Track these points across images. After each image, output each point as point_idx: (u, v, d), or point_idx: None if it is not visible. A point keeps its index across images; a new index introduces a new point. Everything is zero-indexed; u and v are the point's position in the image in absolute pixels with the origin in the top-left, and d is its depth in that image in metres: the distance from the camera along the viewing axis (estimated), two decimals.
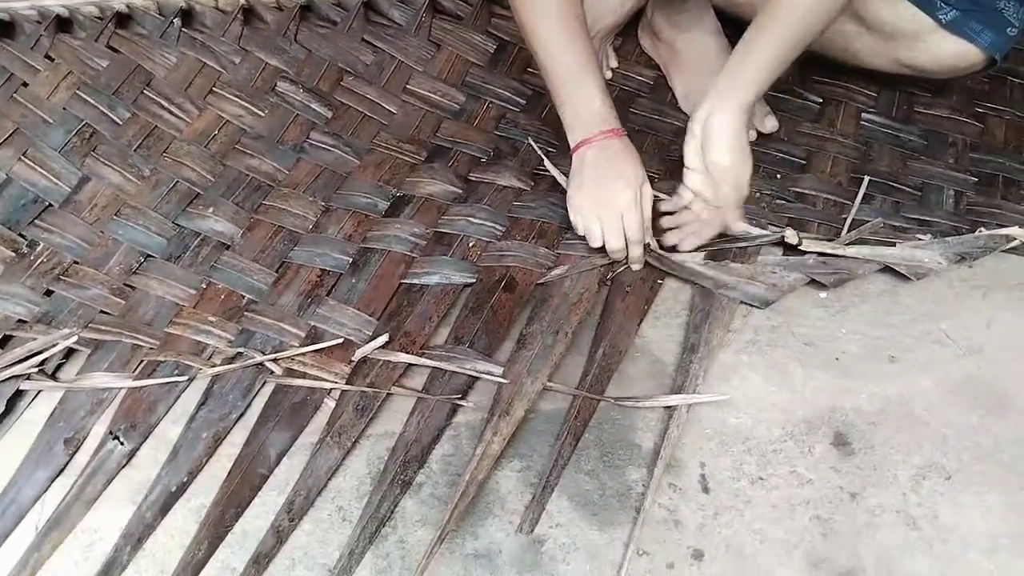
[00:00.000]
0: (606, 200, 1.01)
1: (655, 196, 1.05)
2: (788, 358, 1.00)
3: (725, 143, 1.00)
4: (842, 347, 1.01)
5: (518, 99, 1.28)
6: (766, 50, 1.00)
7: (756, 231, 1.09)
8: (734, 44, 1.23)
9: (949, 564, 0.85)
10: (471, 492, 0.86)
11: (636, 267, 1.05)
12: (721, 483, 0.90)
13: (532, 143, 1.19)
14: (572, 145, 1.04)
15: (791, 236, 1.07)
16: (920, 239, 1.11)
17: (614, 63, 1.34)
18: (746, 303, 1.04)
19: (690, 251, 1.07)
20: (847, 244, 1.09)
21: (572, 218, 1.04)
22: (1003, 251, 1.11)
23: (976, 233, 1.12)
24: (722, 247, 1.07)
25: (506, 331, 1.00)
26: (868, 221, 1.12)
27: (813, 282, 1.07)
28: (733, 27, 1.29)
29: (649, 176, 1.14)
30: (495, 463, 0.89)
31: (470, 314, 1.01)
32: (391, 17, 1.34)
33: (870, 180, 1.19)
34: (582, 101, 1.02)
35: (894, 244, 1.10)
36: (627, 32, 1.37)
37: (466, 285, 1.04)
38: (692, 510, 0.88)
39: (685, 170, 1.05)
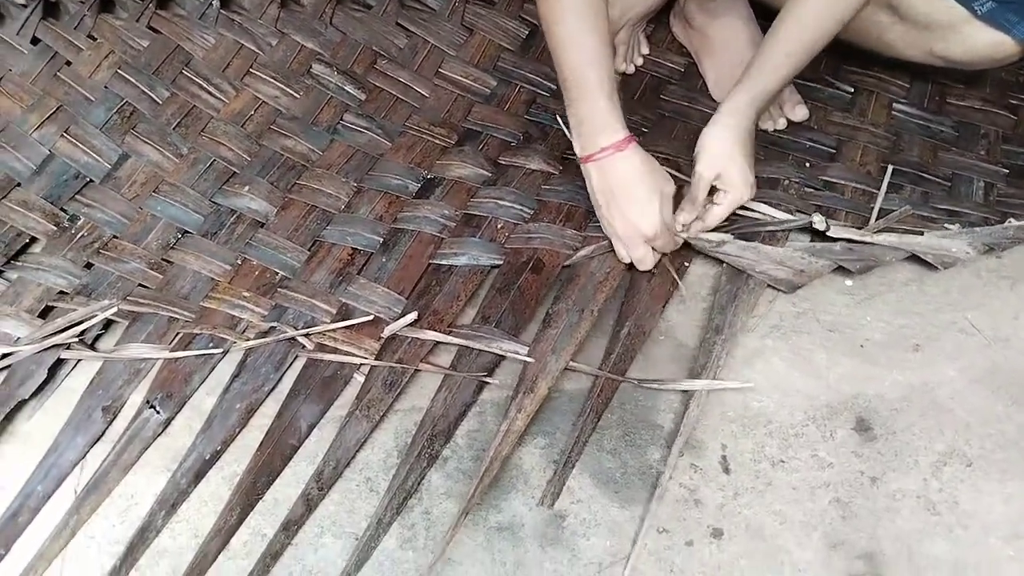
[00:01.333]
0: (633, 231, 1.00)
1: (679, 184, 1.06)
2: (812, 344, 1.01)
3: (713, 156, 1.01)
4: (867, 334, 1.02)
5: (549, 84, 1.29)
6: (771, 59, 1.03)
7: (784, 215, 1.09)
8: (767, 32, 1.24)
9: (969, 550, 0.86)
10: (495, 467, 0.88)
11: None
12: (742, 464, 0.91)
13: (561, 123, 1.19)
14: (579, 154, 1.01)
15: (819, 222, 1.08)
16: (948, 229, 1.11)
17: (645, 50, 1.35)
18: (773, 287, 1.05)
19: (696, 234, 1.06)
20: (875, 232, 1.09)
21: (608, 232, 1.04)
22: None
23: (1006, 224, 1.12)
24: (752, 229, 1.08)
25: (532, 311, 1.02)
26: (896, 210, 1.12)
27: (839, 270, 1.07)
28: (767, 15, 1.29)
29: (677, 161, 1.16)
30: (519, 440, 0.91)
31: (497, 294, 1.03)
32: (425, 2, 1.35)
33: (901, 170, 1.19)
34: (587, 103, 0.98)
35: (922, 233, 1.10)
36: (659, 19, 1.38)
37: (494, 266, 1.06)
38: (712, 490, 0.89)
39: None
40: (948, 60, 1.19)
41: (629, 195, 0.99)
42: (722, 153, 1.01)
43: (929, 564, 0.85)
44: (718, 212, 1.03)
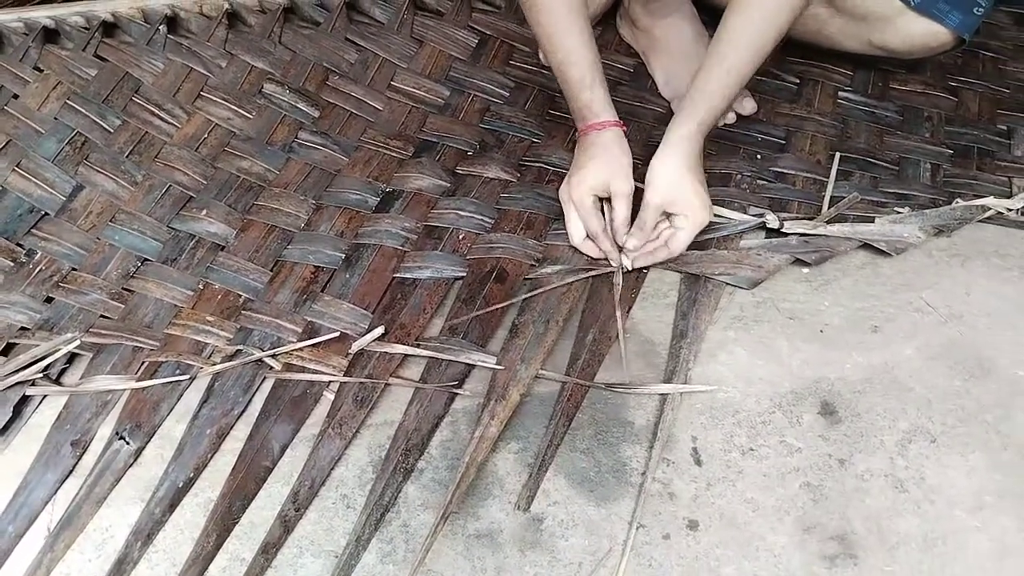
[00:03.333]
0: (569, 191, 1.06)
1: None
2: (774, 333, 1.03)
3: (662, 185, 1.03)
4: (826, 319, 1.04)
5: (502, 91, 1.30)
6: (713, 78, 1.04)
7: (737, 216, 1.12)
8: (710, 30, 1.26)
9: (936, 523, 0.88)
10: (471, 474, 0.89)
11: (615, 262, 1.06)
12: (713, 455, 0.93)
13: None
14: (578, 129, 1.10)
15: (772, 220, 1.10)
16: (899, 212, 1.14)
17: None
18: (733, 285, 1.07)
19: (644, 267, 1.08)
20: (827, 222, 1.12)
21: (564, 202, 1.09)
22: (980, 221, 1.15)
23: (953, 204, 1.15)
24: (705, 237, 1.10)
25: (499, 320, 1.03)
26: (846, 197, 1.14)
27: (797, 260, 1.09)
28: (709, 12, 1.32)
29: (633, 165, 1.17)
30: (493, 446, 0.92)
31: (463, 305, 1.04)
32: (373, 16, 1.36)
33: (849, 157, 1.22)
34: (571, 96, 1.08)
35: (873, 219, 1.13)
36: (606, 21, 1.40)
37: (457, 278, 1.06)
38: (686, 483, 0.90)
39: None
40: (887, 50, 1.23)
41: (580, 163, 1.07)
42: (672, 181, 1.03)
43: (900, 540, 0.87)
44: (682, 238, 1.05)
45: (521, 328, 1.01)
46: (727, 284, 1.07)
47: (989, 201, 1.15)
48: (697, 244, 1.09)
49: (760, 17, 1.02)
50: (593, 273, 1.07)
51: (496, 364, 0.97)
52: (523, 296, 1.04)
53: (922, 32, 1.17)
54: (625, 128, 1.07)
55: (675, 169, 1.02)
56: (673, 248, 1.05)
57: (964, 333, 1.04)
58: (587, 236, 1.07)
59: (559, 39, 1.05)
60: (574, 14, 1.04)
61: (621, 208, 1.04)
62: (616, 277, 1.05)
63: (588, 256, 1.08)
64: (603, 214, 1.07)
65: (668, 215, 1.05)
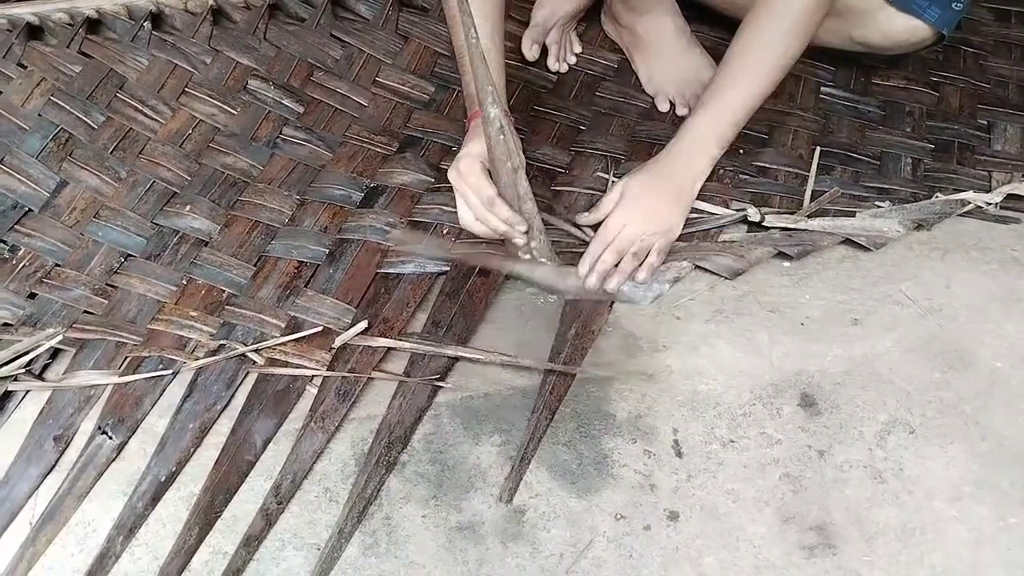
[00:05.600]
0: (456, 165, 1.02)
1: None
2: (754, 325, 1.04)
3: (627, 210, 1.04)
4: (806, 312, 1.05)
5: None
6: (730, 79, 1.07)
7: (720, 211, 1.12)
8: (693, 25, 1.27)
9: (915, 513, 0.89)
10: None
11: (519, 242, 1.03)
12: (693, 447, 0.93)
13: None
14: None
15: (753, 214, 1.11)
16: (879, 207, 1.15)
17: (578, 48, 1.37)
18: (715, 273, 1.08)
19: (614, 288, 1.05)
20: (809, 216, 1.12)
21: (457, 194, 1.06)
22: (959, 215, 1.16)
23: (933, 199, 1.16)
24: (687, 230, 1.10)
25: (482, 314, 1.03)
26: (827, 191, 1.15)
27: (778, 253, 1.10)
28: (691, 8, 1.32)
29: (615, 157, 1.18)
30: (477, 440, 0.92)
31: (447, 299, 1.04)
32: (358, 12, 1.36)
33: (831, 151, 1.23)
34: (465, 81, 1.07)
35: (854, 213, 1.13)
36: (591, 18, 1.40)
37: (441, 273, 1.07)
38: (667, 474, 0.91)
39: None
40: (867, 46, 1.23)
41: (466, 141, 1.05)
42: (637, 185, 1.05)
43: (878, 530, 0.88)
44: (652, 261, 1.05)
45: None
46: (708, 271, 1.07)
47: (969, 195, 1.16)
48: (680, 237, 1.09)
49: (775, 36, 1.06)
50: (580, 250, 1.07)
51: (479, 357, 0.98)
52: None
53: (902, 28, 1.18)
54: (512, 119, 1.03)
55: (645, 184, 1.05)
56: (640, 277, 1.05)
57: (944, 326, 1.04)
58: (477, 218, 1.03)
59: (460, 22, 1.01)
60: (488, 2, 1.05)
61: (479, 182, 1.01)
62: (520, 240, 1.02)
63: (481, 238, 1.06)
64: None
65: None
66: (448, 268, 1.07)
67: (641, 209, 1.05)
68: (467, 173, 1.00)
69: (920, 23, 1.17)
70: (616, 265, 1.04)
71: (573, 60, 1.35)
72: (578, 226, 1.10)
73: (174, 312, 1.01)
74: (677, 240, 1.09)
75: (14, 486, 0.88)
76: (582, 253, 1.06)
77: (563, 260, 1.06)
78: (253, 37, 1.29)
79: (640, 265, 1.05)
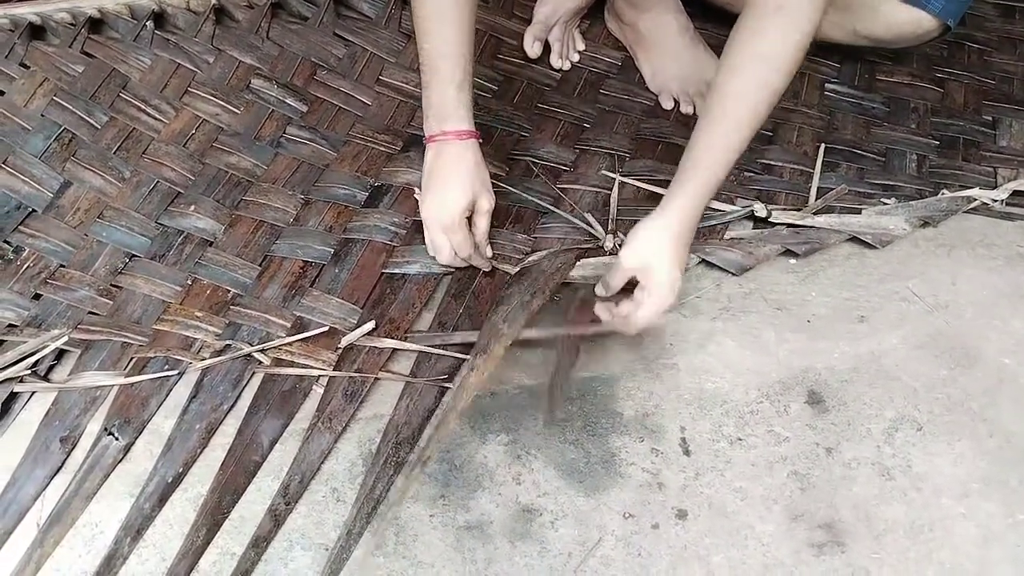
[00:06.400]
0: (437, 215, 0.99)
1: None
2: (761, 323, 1.03)
3: (640, 250, 0.94)
4: (813, 310, 1.05)
5: (490, 85, 1.30)
6: (698, 174, 0.95)
7: (726, 207, 1.12)
8: (696, 22, 1.26)
9: (923, 510, 0.89)
10: (450, 420, 0.91)
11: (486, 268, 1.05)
12: (701, 445, 0.93)
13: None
14: (424, 134, 1.02)
15: (760, 209, 1.11)
16: (885, 204, 1.15)
17: (581, 46, 1.36)
18: (722, 268, 1.07)
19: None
20: (814, 213, 1.12)
21: (424, 216, 1.02)
22: (965, 211, 1.15)
23: (939, 196, 1.16)
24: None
25: (488, 315, 1.03)
26: (833, 188, 1.15)
27: (785, 250, 1.10)
28: (695, 5, 1.32)
29: (619, 155, 1.18)
30: (483, 438, 0.92)
31: (452, 300, 1.04)
32: (361, 10, 1.36)
33: (836, 148, 1.23)
34: (437, 90, 0.99)
35: (860, 210, 1.13)
36: (595, 14, 1.40)
37: (447, 273, 1.07)
38: (674, 472, 0.91)
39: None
40: (872, 39, 1.23)
41: (444, 181, 0.99)
42: (651, 251, 0.93)
43: (887, 528, 0.88)
44: (642, 315, 0.92)
45: (506, 299, 1.02)
46: (715, 268, 1.07)
47: (975, 192, 1.16)
48: None
49: (756, 82, 0.94)
50: (586, 246, 1.08)
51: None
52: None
53: (906, 19, 1.18)
54: (480, 139, 1.02)
55: (659, 240, 0.93)
56: (631, 324, 0.94)
57: (950, 322, 1.04)
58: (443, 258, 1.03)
59: (437, 25, 0.97)
60: (459, 6, 0.97)
61: (483, 223, 1.02)
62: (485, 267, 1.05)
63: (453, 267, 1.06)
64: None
65: (632, 286, 0.96)
66: (453, 269, 1.07)
67: (664, 290, 0.93)
68: (452, 229, 0.99)
69: (924, 14, 1.17)
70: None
71: (576, 57, 1.35)
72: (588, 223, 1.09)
73: (179, 312, 1.01)
74: None
75: (21, 487, 0.88)
76: (590, 248, 1.06)
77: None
78: (256, 36, 1.29)
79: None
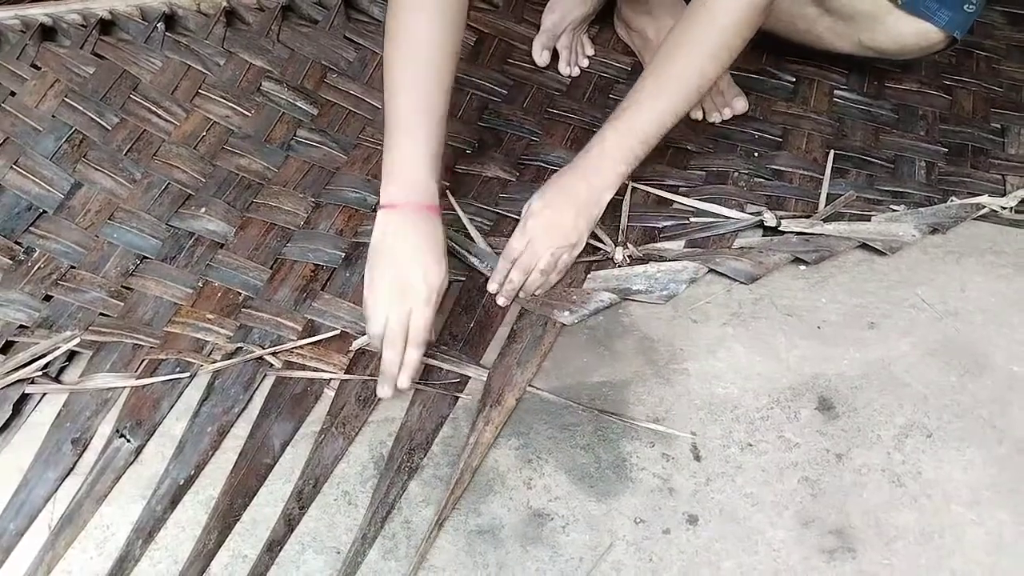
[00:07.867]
0: (402, 291, 0.91)
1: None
2: (771, 329, 1.04)
3: (530, 227, 1.00)
4: (823, 316, 1.05)
5: (500, 90, 1.30)
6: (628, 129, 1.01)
7: (735, 214, 1.12)
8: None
9: (933, 517, 0.89)
10: (467, 479, 0.90)
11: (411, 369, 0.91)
12: (712, 451, 0.93)
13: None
14: (381, 200, 0.94)
15: (769, 218, 1.11)
16: (894, 210, 1.15)
17: (590, 51, 1.37)
18: (732, 278, 1.08)
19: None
20: (824, 220, 1.12)
21: (365, 292, 0.92)
22: (974, 218, 1.16)
23: (948, 203, 1.16)
24: (702, 235, 1.11)
25: (496, 327, 1.03)
26: (842, 195, 1.15)
27: (796, 258, 1.10)
28: None
29: None
30: (493, 442, 0.92)
31: (463, 312, 1.04)
32: (371, 14, 1.36)
33: (845, 155, 1.24)
34: (405, 158, 0.93)
35: (869, 217, 1.14)
36: (605, 20, 1.40)
37: (456, 281, 1.06)
38: (685, 478, 0.91)
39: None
40: (878, 51, 1.23)
41: (422, 256, 0.91)
42: (553, 201, 1.01)
43: (897, 534, 0.88)
44: (552, 279, 1.03)
45: (519, 333, 1.02)
46: (726, 277, 1.07)
47: (984, 200, 1.16)
48: (695, 243, 1.10)
49: (694, 56, 0.98)
50: (594, 258, 1.08)
51: (489, 374, 0.98)
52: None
53: (912, 31, 1.18)
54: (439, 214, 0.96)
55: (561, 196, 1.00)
56: (529, 283, 1.02)
57: (960, 329, 1.05)
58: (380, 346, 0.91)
59: (419, 88, 0.92)
60: (441, 69, 0.93)
61: (436, 305, 0.94)
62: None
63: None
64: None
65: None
66: (464, 279, 1.06)
67: (543, 225, 1.00)
68: (421, 330, 0.91)
69: (930, 26, 1.17)
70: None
71: (585, 63, 1.35)
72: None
73: (190, 315, 1.01)
74: (693, 246, 1.09)
75: (32, 489, 0.88)
76: (597, 260, 1.07)
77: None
78: (266, 39, 1.29)
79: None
